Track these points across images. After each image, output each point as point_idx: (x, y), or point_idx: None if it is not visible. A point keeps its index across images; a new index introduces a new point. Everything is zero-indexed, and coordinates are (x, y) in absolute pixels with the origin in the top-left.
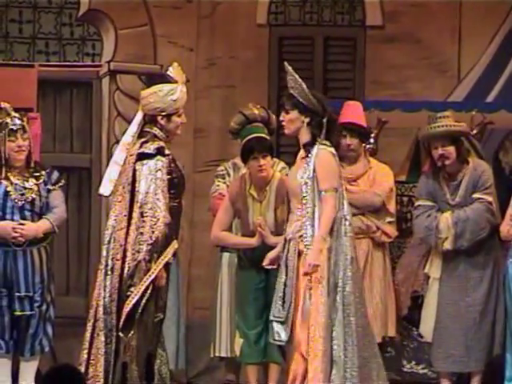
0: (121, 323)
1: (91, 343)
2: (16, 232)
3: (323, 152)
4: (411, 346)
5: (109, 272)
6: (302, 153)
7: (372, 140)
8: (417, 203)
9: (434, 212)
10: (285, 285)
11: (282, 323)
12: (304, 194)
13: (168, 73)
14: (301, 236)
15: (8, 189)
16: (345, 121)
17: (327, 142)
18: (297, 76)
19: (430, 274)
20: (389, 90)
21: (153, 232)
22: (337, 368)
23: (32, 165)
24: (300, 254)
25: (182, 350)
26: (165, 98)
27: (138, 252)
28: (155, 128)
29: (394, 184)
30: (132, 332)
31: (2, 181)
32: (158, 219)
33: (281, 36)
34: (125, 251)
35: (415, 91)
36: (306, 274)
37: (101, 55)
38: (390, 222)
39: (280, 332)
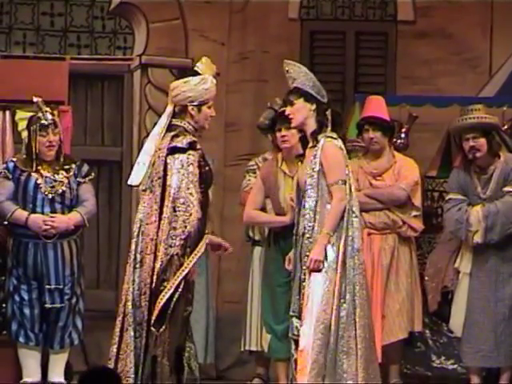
0: (153, 318)
1: (121, 338)
2: (47, 225)
3: (328, 144)
4: (441, 341)
5: (137, 266)
6: (310, 144)
7: (403, 135)
8: (447, 197)
9: (464, 205)
10: (300, 279)
11: (299, 318)
12: (308, 187)
13: (196, 68)
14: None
15: (38, 181)
16: (367, 115)
17: (333, 134)
18: (299, 65)
19: (461, 269)
20: (420, 85)
21: (185, 227)
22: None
23: (62, 158)
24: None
25: (211, 343)
26: (196, 86)
27: (171, 247)
28: (184, 122)
29: (425, 179)
30: (164, 327)
31: (33, 174)
32: (191, 214)
33: (312, 30)
34: (156, 245)
35: (446, 86)
36: (309, 269)
37: (132, 48)
38: (415, 216)
39: (299, 326)
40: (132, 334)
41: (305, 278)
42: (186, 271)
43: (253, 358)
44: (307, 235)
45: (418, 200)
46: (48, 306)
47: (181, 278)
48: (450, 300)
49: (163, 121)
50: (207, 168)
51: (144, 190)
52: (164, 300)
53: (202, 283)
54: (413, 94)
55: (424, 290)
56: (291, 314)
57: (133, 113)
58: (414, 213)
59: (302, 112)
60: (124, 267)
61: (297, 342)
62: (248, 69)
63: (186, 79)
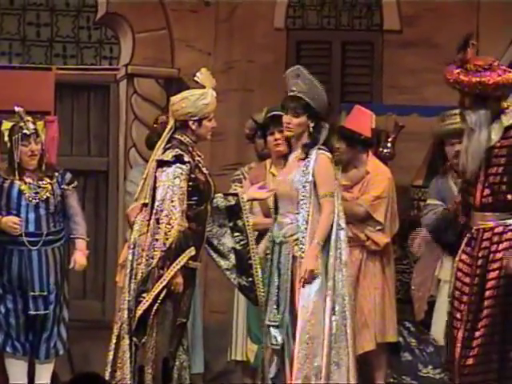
0: (133, 328)
1: (117, 346)
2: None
3: (322, 157)
4: (427, 350)
5: (133, 276)
6: (298, 154)
7: (389, 144)
8: (426, 203)
9: (440, 210)
10: (278, 288)
11: (277, 327)
12: (301, 198)
13: (196, 78)
14: (296, 240)
15: (22, 188)
16: (342, 125)
17: (325, 147)
18: (315, 80)
19: (441, 277)
20: (406, 94)
21: (167, 239)
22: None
23: (44, 167)
24: (295, 257)
25: (198, 353)
26: (196, 102)
27: (152, 258)
28: (185, 136)
29: (411, 188)
30: (146, 337)
31: (16, 181)
32: (173, 227)
33: (298, 40)
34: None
35: (432, 96)
36: (303, 279)
37: (118, 58)
38: (379, 230)
39: (276, 336)
40: (128, 342)
41: (282, 288)
42: (165, 283)
43: (239, 368)
44: (300, 245)
45: (380, 214)
46: (32, 312)
47: (159, 289)
48: None
49: (164, 135)
50: (203, 179)
51: (145, 204)
52: (141, 311)
53: None
54: (399, 103)
55: (411, 299)
56: (268, 323)
57: (119, 123)
58: (378, 227)
59: (301, 127)
60: (111, 277)
61: (277, 352)
62: (234, 78)
63: (185, 94)
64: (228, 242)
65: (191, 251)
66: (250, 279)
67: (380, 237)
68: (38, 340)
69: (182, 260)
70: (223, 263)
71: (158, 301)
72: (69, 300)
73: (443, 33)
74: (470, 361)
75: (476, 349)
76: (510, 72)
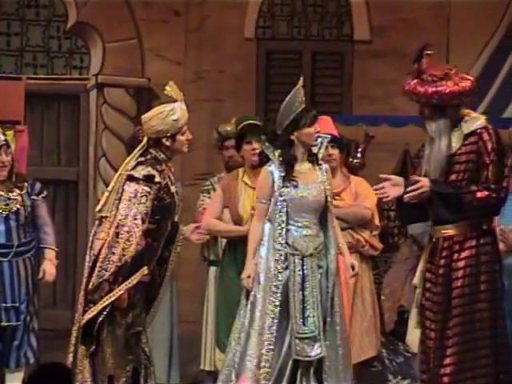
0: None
1: (76, 349)
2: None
3: (328, 167)
4: (397, 360)
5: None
6: (308, 166)
7: (359, 154)
8: None
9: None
10: (303, 302)
11: (309, 338)
12: (331, 209)
13: (166, 92)
14: (325, 251)
15: None
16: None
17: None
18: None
19: (417, 285)
20: (376, 104)
21: (123, 255)
22: None
23: (14, 177)
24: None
25: (175, 363)
26: (166, 119)
27: (106, 271)
28: (160, 152)
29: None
30: (94, 346)
31: None
32: (131, 245)
33: (269, 50)
34: (96, 262)
35: (402, 106)
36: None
37: (88, 68)
38: (375, 236)
39: (309, 348)
40: (83, 347)
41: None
42: (113, 299)
43: (210, 377)
44: (312, 257)
45: (377, 219)
46: (4, 324)
47: (106, 304)
48: (406, 319)
49: (136, 150)
50: (168, 200)
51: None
52: (85, 320)
53: (165, 304)
54: (369, 113)
55: (381, 309)
56: (298, 336)
57: (89, 133)
58: (375, 232)
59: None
60: (80, 287)
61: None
62: (204, 88)
63: (154, 111)
64: None
65: (144, 270)
66: None
67: (377, 241)
68: (8, 349)
69: (135, 279)
70: None
71: (104, 313)
72: (38, 309)
73: (413, 43)
74: (447, 370)
75: (450, 358)
76: (466, 79)
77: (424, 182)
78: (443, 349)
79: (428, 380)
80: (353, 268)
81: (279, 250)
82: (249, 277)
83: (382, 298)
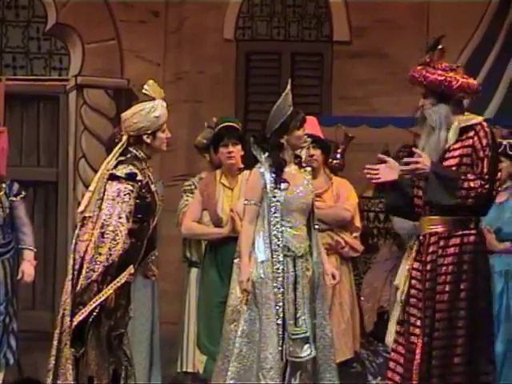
0: (69, 339)
1: (58, 353)
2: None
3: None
4: (377, 361)
5: (75, 286)
6: (294, 167)
7: (339, 155)
8: None
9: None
10: (295, 302)
11: (302, 339)
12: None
13: (144, 91)
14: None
15: None
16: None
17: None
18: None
19: (399, 285)
20: (356, 105)
21: (110, 255)
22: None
23: None
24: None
25: (156, 364)
26: (148, 116)
27: (93, 271)
28: (140, 150)
29: (361, 199)
30: (83, 349)
31: None
32: (118, 243)
33: (248, 51)
34: (82, 264)
35: (382, 107)
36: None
37: (68, 69)
38: (356, 237)
39: (301, 348)
40: (73, 349)
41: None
42: (103, 298)
43: (189, 379)
44: (303, 259)
45: (358, 221)
46: None
47: (96, 304)
48: (386, 320)
49: (116, 150)
50: (152, 199)
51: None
52: (76, 322)
53: (146, 305)
54: (349, 114)
55: (360, 310)
56: (293, 336)
57: (68, 133)
58: (355, 233)
59: None
60: (60, 288)
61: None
62: (183, 89)
63: (135, 109)
64: None
65: (130, 269)
66: None
67: (357, 242)
68: None
69: (123, 278)
70: None
71: (94, 314)
72: (17, 311)
73: (393, 44)
74: (434, 369)
75: (436, 352)
76: (473, 79)
77: (424, 160)
78: (430, 346)
79: (409, 378)
80: (333, 277)
81: (276, 250)
82: (248, 280)
83: (362, 299)
